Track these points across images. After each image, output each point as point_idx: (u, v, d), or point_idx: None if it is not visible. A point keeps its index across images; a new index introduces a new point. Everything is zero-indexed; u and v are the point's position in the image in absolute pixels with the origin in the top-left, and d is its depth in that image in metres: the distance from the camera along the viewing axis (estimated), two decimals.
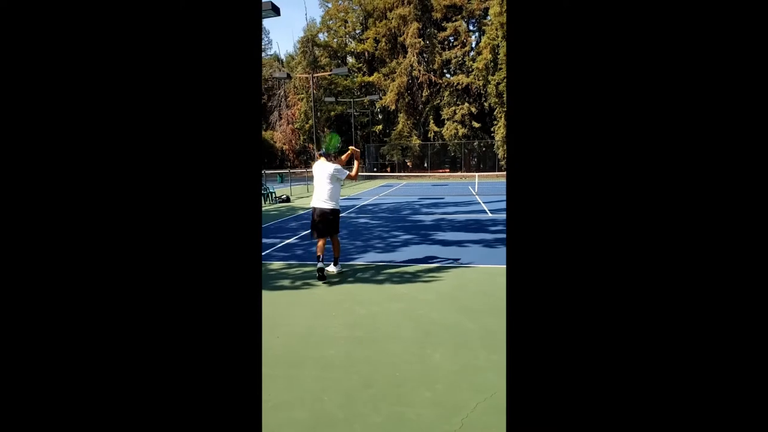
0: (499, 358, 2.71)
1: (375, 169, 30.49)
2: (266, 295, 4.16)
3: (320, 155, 4.80)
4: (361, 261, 5.41)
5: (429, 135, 32.14)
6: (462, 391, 2.35)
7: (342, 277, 4.67)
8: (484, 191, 15.66)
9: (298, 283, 4.54)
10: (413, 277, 4.61)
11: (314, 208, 4.67)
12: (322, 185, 4.64)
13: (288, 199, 13.98)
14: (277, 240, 7.03)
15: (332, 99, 27.06)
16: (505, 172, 25.69)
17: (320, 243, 4.61)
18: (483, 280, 4.48)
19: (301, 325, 3.40)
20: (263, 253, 6.06)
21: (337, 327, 3.33)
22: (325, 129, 34.43)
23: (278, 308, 3.78)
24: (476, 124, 30.63)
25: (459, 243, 6.42)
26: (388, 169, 32.10)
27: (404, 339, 3.07)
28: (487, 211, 10.15)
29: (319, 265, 4.49)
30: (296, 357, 2.85)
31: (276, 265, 5.36)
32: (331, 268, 4.78)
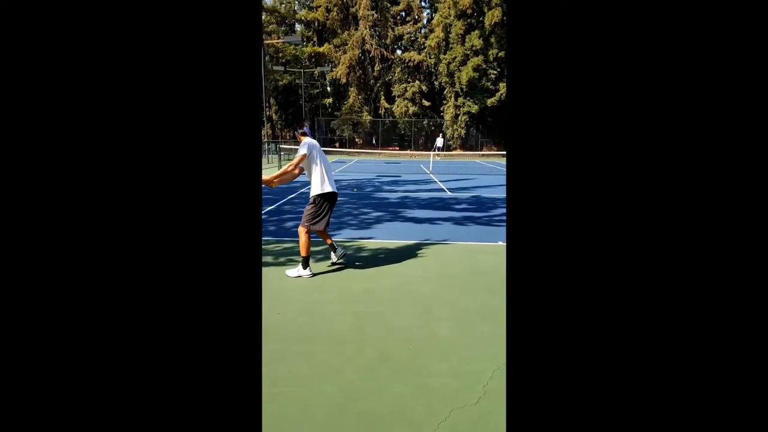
0: (502, 330, 2.89)
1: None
2: None
3: (302, 134, 4.04)
4: (340, 237, 5.41)
5: (380, 111, 32.00)
6: (475, 362, 2.49)
7: (327, 254, 4.66)
8: (437, 170, 16.00)
9: (282, 259, 4.47)
10: (396, 254, 4.70)
11: (332, 194, 3.99)
12: (328, 166, 4.04)
13: None
14: None
15: (281, 68, 26.00)
16: (453, 152, 26.35)
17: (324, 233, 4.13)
18: (464, 256, 4.67)
19: (298, 301, 3.38)
20: None
21: (336, 303, 3.36)
22: (271, 99, 33.06)
23: (269, 285, 3.72)
24: (426, 103, 30.91)
25: (430, 221, 6.59)
26: (337, 145, 31.69)
27: (407, 314, 3.17)
28: (446, 190, 10.43)
29: (341, 251, 4.21)
30: (304, 333, 2.85)
31: None
32: (304, 272, 3.98)
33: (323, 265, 4.29)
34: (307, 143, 3.95)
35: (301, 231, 3.94)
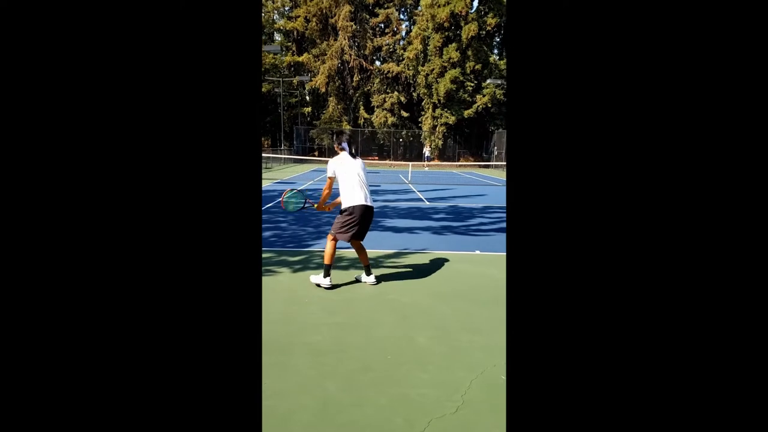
0: (481, 339, 2.92)
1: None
2: None
3: (341, 148, 3.97)
4: (319, 247, 5.38)
5: (359, 121, 32.11)
6: (454, 371, 2.51)
7: (305, 264, 4.63)
8: (415, 180, 16.13)
9: (263, 268, 4.41)
10: (376, 263, 4.71)
11: (365, 207, 3.87)
12: (365, 181, 3.94)
13: None
14: None
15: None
16: (430, 162, 26.63)
17: (355, 246, 4.03)
18: (441, 265, 4.71)
19: (276, 311, 3.35)
20: None
21: (317, 313, 3.33)
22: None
23: None
24: (405, 114, 31.20)
25: (409, 230, 6.63)
26: (316, 153, 31.59)
27: (386, 324, 3.17)
28: (424, 200, 10.51)
29: (372, 279, 4.03)
30: (283, 344, 2.82)
31: None
32: (369, 279, 4.07)
33: (303, 275, 4.25)
34: (331, 163, 3.94)
35: (328, 239, 3.93)
